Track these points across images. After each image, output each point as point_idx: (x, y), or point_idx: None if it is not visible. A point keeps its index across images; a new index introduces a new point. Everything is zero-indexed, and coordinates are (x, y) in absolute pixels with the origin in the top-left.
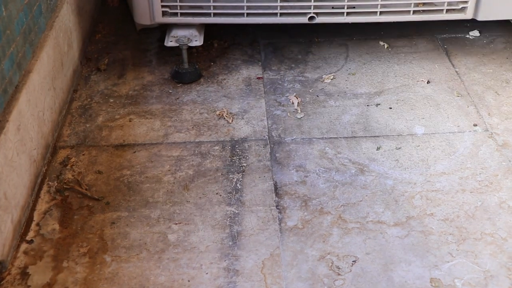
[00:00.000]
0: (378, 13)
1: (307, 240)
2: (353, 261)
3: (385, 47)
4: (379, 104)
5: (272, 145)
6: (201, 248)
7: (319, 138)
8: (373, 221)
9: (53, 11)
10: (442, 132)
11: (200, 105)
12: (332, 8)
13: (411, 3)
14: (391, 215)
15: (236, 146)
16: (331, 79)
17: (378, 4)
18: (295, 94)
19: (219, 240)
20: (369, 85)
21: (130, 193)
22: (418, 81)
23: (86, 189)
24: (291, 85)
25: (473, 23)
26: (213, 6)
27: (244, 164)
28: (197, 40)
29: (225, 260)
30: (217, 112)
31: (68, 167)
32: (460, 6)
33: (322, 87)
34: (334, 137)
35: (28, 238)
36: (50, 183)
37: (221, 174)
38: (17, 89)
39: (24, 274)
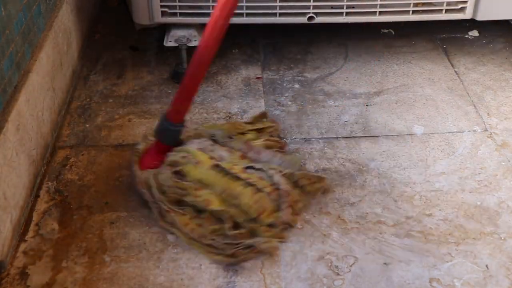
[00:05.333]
0: (377, 13)
1: (306, 240)
2: (352, 261)
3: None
4: (379, 104)
5: None
6: None
7: (318, 138)
8: (372, 221)
9: (52, 11)
10: (441, 132)
11: (199, 105)
12: (331, 8)
13: (410, 3)
14: (390, 215)
15: None
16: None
17: (377, 4)
18: None
19: None
20: (368, 85)
21: (129, 193)
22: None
23: None
24: (291, 85)
25: (472, 23)
26: (212, 6)
27: None
28: (196, 40)
29: None
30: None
31: (67, 167)
32: (459, 6)
33: (321, 87)
34: (333, 137)
35: (27, 238)
36: (49, 183)
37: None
38: (16, 89)
39: (23, 274)
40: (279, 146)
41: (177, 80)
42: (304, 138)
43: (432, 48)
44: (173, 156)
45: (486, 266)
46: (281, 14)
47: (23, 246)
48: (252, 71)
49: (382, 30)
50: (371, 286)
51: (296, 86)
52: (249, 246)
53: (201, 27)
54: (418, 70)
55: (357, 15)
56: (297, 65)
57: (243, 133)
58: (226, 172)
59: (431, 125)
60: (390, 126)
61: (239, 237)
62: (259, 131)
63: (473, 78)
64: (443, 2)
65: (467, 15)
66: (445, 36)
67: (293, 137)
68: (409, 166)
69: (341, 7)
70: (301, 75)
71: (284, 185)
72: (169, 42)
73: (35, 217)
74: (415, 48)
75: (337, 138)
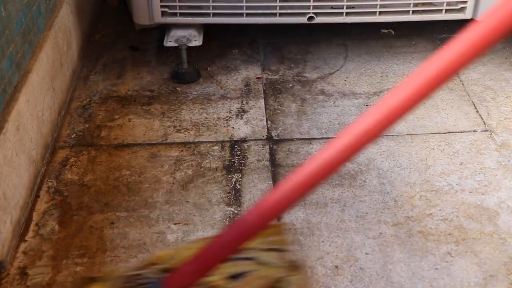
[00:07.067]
0: (377, 13)
1: (306, 240)
2: (352, 261)
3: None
4: None
5: (272, 145)
6: None
7: (318, 138)
8: (372, 221)
9: (52, 11)
10: (441, 132)
11: (199, 105)
12: (331, 8)
13: (410, 3)
14: (390, 215)
15: (236, 146)
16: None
17: (377, 4)
18: None
19: None
20: (368, 85)
21: (129, 193)
22: None
23: None
24: (291, 85)
25: (472, 23)
26: (212, 6)
27: (244, 164)
28: (197, 40)
29: None
30: None
31: (68, 167)
32: (459, 6)
33: (321, 87)
34: (333, 137)
35: (27, 238)
36: (49, 183)
37: (220, 174)
38: (16, 89)
39: (23, 274)
40: None
41: (177, 80)
42: (304, 138)
43: (432, 48)
44: None
45: (486, 266)
46: (281, 14)
47: (23, 246)
48: (252, 71)
49: (382, 30)
50: (371, 286)
51: (296, 86)
52: None
53: (201, 27)
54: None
55: (357, 15)
56: (297, 65)
57: None
58: None
59: (431, 125)
60: None
61: None
62: None
63: (473, 78)
64: (443, 2)
65: (467, 15)
66: (445, 36)
67: (293, 137)
68: (408, 166)
69: (341, 7)
70: (301, 75)
71: None
72: (169, 42)
73: (35, 217)
74: (415, 48)
75: None
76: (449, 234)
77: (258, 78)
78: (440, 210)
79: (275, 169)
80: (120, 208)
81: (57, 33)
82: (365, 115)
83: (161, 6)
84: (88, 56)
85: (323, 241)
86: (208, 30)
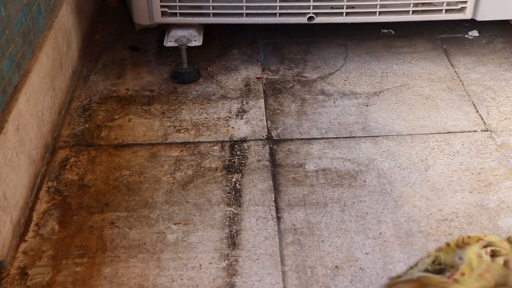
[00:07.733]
0: (377, 13)
1: (306, 240)
2: (352, 261)
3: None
4: (378, 104)
5: (272, 145)
6: (200, 248)
7: (318, 138)
8: (372, 221)
9: (52, 11)
10: (441, 132)
11: (199, 105)
12: (331, 8)
13: (410, 3)
14: (390, 215)
15: (236, 146)
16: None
17: (377, 4)
18: None
19: (218, 240)
20: (368, 85)
21: (129, 193)
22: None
23: None
24: (291, 85)
25: (472, 23)
26: (212, 6)
27: (244, 164)
28: (196, 40)
29: (224, 260)
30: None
31: (68, 167)
32: (459, 6)
33: (321, 87)
34: (333, 137)
35: (27, 238)
36: (49, 183)
37: (220, 174)
38: (16, 89)
39: (23, 274)
40: None
41: (177, 80)
42: (304, 138)
43: (432, 48)
44: None
45: None
46: (281, 14)
47: (23, 246)
48: (252, 71)
49: (382, 30)
50: (371, 286)
51: (296, 86)
52: None
53: (201, 27)
54: (418, 70)
55: (357, 15)
56: (297, 65)
57: None
58: None
59: (431, 125)
60: (390, 126)
61: None
62: None
63: (473, 78)
64: (443, 2)
65: (467, 15)
66: (445, 36)
67: (293, 137)
68: (408, 166)
69: (341, 7)
70: (301, 75)
71: None
72: (169, 42)
73: (35, 217)
74: (415, 48)
75: (337, 138)
76: (449, 234)
77: (258, 78)
78: (440, 210)
79: (275, 169)
80: (120, 208)
81: (57, 33)
82: None
83: (161, 6)
84: (88, 56)
85: (323, 241)
86: (208, 30)
